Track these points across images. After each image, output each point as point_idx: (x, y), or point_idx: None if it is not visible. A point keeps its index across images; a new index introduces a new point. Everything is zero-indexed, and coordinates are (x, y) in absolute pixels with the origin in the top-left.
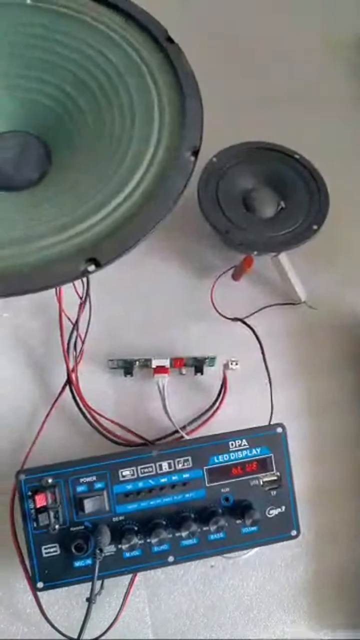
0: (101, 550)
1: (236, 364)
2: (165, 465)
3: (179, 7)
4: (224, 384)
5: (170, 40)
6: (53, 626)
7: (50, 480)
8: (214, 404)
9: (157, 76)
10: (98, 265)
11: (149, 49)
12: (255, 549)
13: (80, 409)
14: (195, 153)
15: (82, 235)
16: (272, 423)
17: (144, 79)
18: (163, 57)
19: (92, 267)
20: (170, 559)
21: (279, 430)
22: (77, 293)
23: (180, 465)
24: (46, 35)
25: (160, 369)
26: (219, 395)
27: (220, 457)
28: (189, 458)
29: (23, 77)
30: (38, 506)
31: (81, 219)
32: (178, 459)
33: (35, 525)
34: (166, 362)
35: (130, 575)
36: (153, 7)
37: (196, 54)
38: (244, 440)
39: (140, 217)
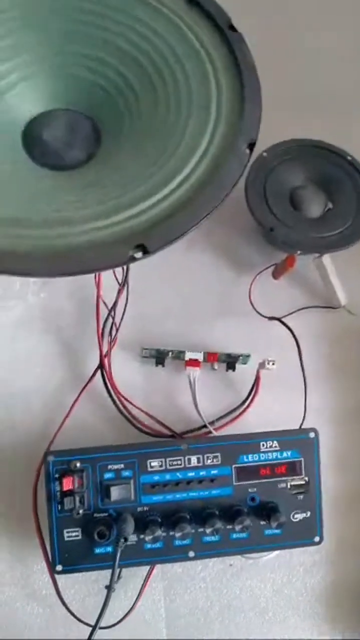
0: (125, 539)
1: (273, 364)
2: (194, 459)
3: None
4: (256, 383)
5: (232, 28)
6: (69, 610)
7: (78, 465)
8: (244, 401)
9: (217, 64)
10: (146, 252)
11: (210, 36)
12: (276, 552)
13: (110, 394)
14: (251, 146)
15: (132, 220)
16: (304, 427)
17: (203, 66)
18: (225, 45)
19: (139, 254)
20: (191, 554)
21: (312, 435)
22: (117, 279)
23: (209, 461)
24: (107, 14)
25: (193, 362)
26: (250, 393)
27: (250, 456)
28: (219, 455)
29: (81, 56)
30: (65, 489)
31: (132, 203)
32: (207, 455)
33: (59, 508)
34: (199, 356)
35: (148, 567)
36: None
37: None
38: (275, 442)
39: (192, 207)
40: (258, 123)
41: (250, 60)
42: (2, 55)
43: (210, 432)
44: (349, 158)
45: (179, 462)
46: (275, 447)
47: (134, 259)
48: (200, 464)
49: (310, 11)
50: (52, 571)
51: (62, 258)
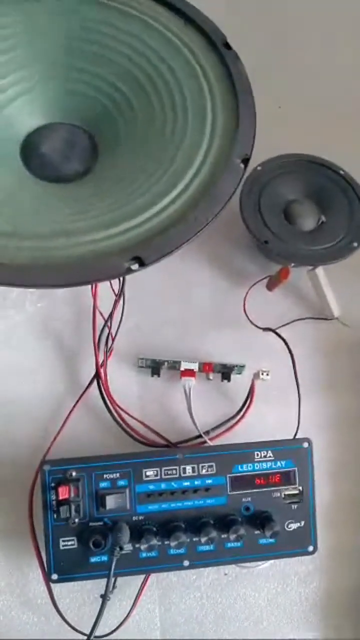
0: (121, 548)
1: (267, 375)
2: (189, 469)
3: (231, 14)
4: (251, 393)
5: (227, 46)
6: (64, 619)
7: (74, 474)
8: (239, 412)
9: (212, 81)
10: (142, 264)
11: (206, 53)
12: (270, 561)
13: (106, 404)
14: (246, 161)
15: (129, 232)
16: (298, 437)
17: (199, 83)
18: (220, 62)
19: (135, 266)
20: (186, 563)
21: (305, 444)
22: (113, 289)
23: (204, 471)
24: (107, 33)
25: (188, 372)
26: (244, 403)
27: (244, 466)
28: (213, 464)
29: (79, 70)
30: (60, 498)
31: (129, 216)
32: (202, 464)
33: (55, 517)
34: (195, 366)
35: (143, 576)
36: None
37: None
38: (269, 452)
39: (187, 220)
40: (252, 139)
41: (245, 77)
42: (3, 69)
43: (205, 441)
44: (341, 172)
45: (174, 471)
46: (270, 456)
47: (130, 271)
48: (195, 474)
49: (303, 25)
50: (48, 580)
51: (60, 270)
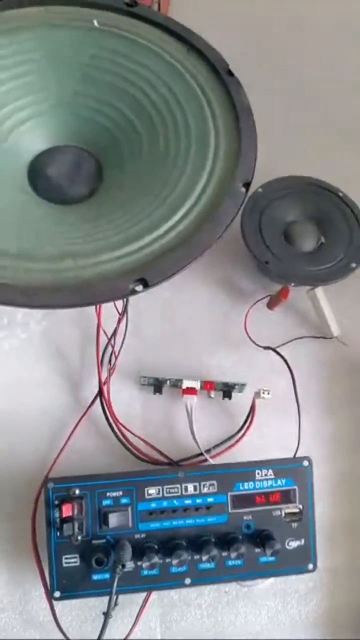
0: (123, 566)
1: (268, 393)
2: (190, 487)
3: (237, 39)
4: (252, 411)
5: (230, 73)
6: (66, 637)
7: (77, 491)
8: (239, 430)
9: (215, 107)
10: (146, 285)
11: (208, 80)
12: (271, 579)
13: (108, 421)
14: (247, 185)
15: (133, 255)
16: (298, 455)
17: (202, 109)
18: (222, 89)
19: (140, 287)
20: (187, 581)
21: (305, 463)
22: (116, 308)
23: (205, 489)
24: (115, 60)
25: (190, 390)
26: (245, 421)
27: (245, 484)
28: (215, 482)
29: (86, 96)
30: (64, 516)
31: (133, 239)
32: (204, 483)
33: (58, 534)
34: (197, 384)
35: (145, 593)
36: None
37: (248, 83)
38: (270, 471)
39: (190, 243)
40: (254, 164)
41: (247, 104)
42: (17, 93)
43: (206, 459)
44: (340, 194)
45: (176, 489)
46: (270, 475)
47: (135, 292)
48: (197, 492)
49: (314, 44)
50: (50, 597)
51: (67, 291)
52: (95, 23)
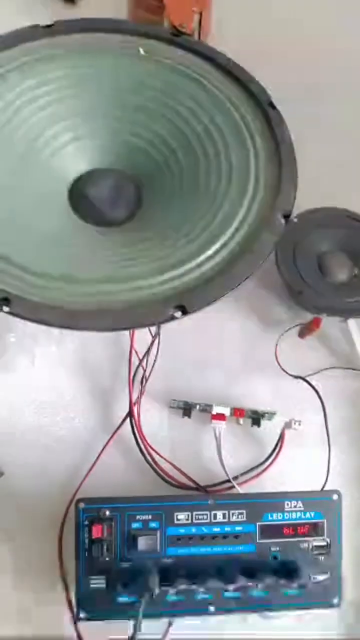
0: (152, 594)
1: (299, 424)
2: (219, 515)
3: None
4: (281, 441)
5: (272, 105)
6: None
7: (107, 513)
8: (267, 458)
9: (256, 139)
10: (185, 312)
11: (251, 112)
12: (296, 612)
13: (137, 443)
14: (286, 216)
15: (173, 281)
16: (328, 489)
17: (244, 141)
18: (264, 121)
19: (179, 314)
20: (211, 608)
21: (335, 497)
22: (150, 331)
23: (234, 517)
24: (156, 87)
25: (219, 416)
26: (274, 450)
27: (274, 514)
28: (244, 512)
29: (130, 122)
30: (94, 537)
31: (173, 266)
32: (233, 511)
33: (86, 555)
34: (227, 411)
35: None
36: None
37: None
38: (299, 502)
39: (229, 272)
40: (293, 196)
41: (288, 137)
42: (61, 115)
43: (232, 486)
44: None
45: (205, 516)
46: (300, 507)
47: (174, 318)
48: (226, 520)
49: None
50: (76, 618)
51: (108, 315)
52: (142, 51)
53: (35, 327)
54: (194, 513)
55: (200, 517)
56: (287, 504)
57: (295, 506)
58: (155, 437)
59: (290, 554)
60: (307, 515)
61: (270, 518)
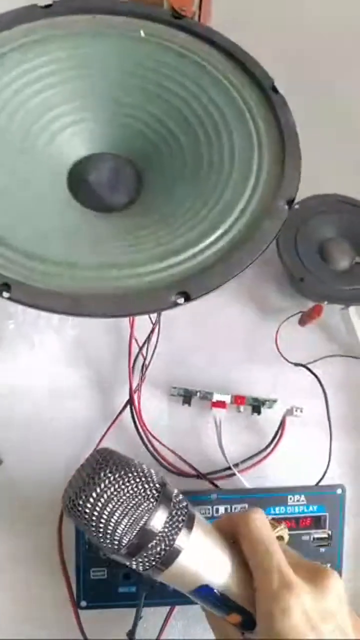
0: (153, 586)
1: (300, 412)
2: (222, 509)
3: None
4: (281, 428)
5: (275, 90)
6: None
7: None
8: (268, 446)
9: (259, 124)
10: (188, 299)
11: (253, 96)
12: None
13: (137, 430)
14: (289, 203)
15: (175, 267)
16: (329, 477)
17: (246, 125)
18: (267, 106)
19: (181, 300)
20: None
21: (339, 491)
22: (150, 318)
23: (237, 512)
24: (156, 69)
25: (219, 404)
26: (274, 438)
27: (277, 508)
28: (246, 506)
29: (131, 106)
30: None
31: (176, 252)
32: (235, 506)
33: (87, 547)
34: (227, 398)
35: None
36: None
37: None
38: (302, 496)
39: (232, 258)
40: (297, 183)
41: (292, 122)
42: (63, 97)
43: (233, 474)
44: None
45: (208, 511)
46: (302, 501)
47: (177, 304)
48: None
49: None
50: (77, 606)
51: (110, 301)
52: (142, 33)
53: (35, 313)
54: (197, 507)
55: (202, 512)
56: (290, 498)
57: (298, 500)
58: (155, 424)
59: (291, 546)
60: (310, 509)
61: (273, 512)
